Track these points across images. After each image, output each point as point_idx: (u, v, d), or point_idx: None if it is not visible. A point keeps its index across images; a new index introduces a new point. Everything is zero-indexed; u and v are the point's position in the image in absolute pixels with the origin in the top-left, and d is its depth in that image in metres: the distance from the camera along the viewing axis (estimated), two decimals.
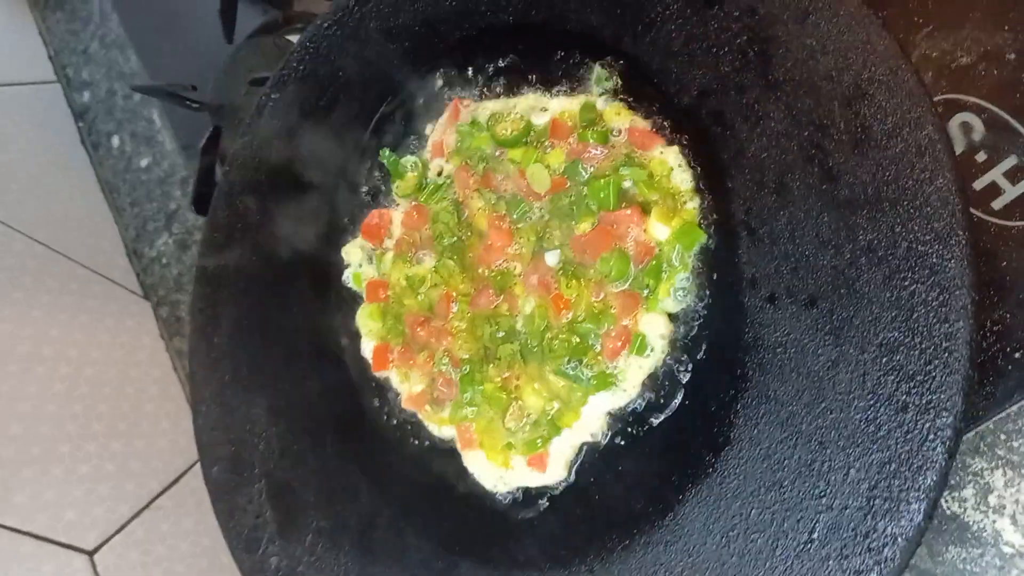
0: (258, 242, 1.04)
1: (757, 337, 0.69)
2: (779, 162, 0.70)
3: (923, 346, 0.61)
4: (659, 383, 0.75)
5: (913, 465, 0.60)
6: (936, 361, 0.60)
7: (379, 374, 0.92)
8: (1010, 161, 0.77)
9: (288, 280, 1.01)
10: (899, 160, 0.64)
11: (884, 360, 0.62)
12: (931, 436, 0.60)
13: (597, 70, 0.85)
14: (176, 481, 1.29)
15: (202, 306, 1.06)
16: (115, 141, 1.68)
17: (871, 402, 0.62)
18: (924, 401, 0.60)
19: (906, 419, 0.61)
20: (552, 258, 0.80)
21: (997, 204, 0.77)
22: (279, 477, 0.95)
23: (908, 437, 0.60)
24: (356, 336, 0.95)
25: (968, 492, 0.78)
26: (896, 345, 0.62)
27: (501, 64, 0.92)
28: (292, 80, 1.05)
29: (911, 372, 0.61)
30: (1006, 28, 0.79)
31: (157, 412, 1.36)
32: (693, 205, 0.75)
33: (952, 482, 0.79)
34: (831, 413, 0.64)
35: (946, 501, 0.80)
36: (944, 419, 0.59)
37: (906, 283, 0.62)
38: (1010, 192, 0.77)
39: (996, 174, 0.77)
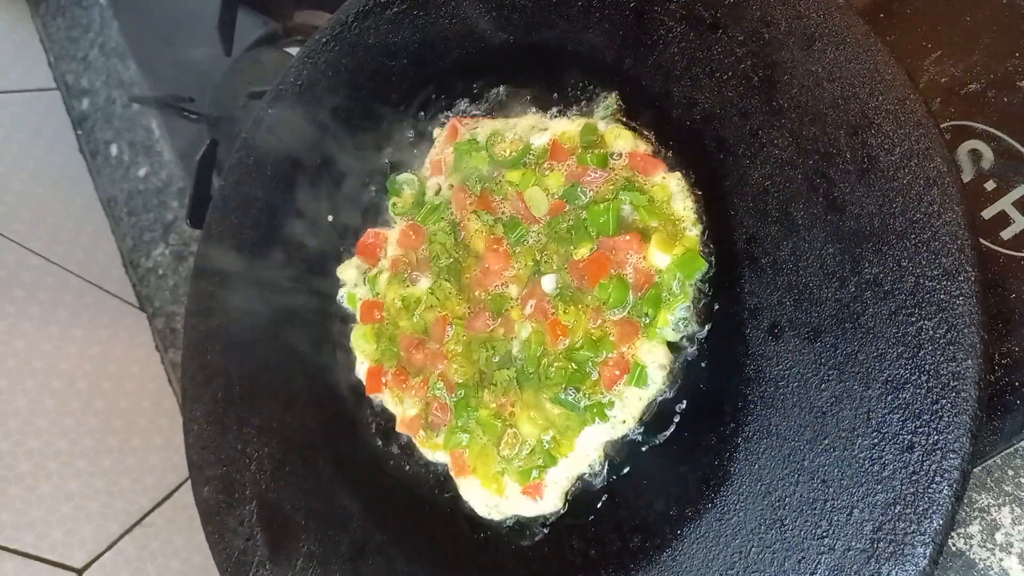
0: (253, 258, 1.02)
1: (759, 369, 0.68)
2: (783, 191, 0.69)
3: (930, 384, 0.59)
4: (658, 414, 0.73)
5: (919, 508, 0.58)
6: (943, 400, 0.59)
7: (373, 397, 0.91)
8: (1020, 191, 0.75)
9: (283, 298, 0.99)
10: (907, 192, 0.63)
11: (890, 398, 0.61)
12: (938, 478, 0.58)
13: (610, 98, 0.82)
14: (167, 498, 1.27)
15: (195, 322, 1.04)
16: (113, 150, 1.66)
17: (876, 440, 0.61)
18: (931, 441, 0.59)
19: (912, 459, 0.59)
20: (549, 283, 0.79)
21: (1006, 234, 0.75)
22: (270, 499, 0.93)
23: (914, 478, 0.59)
24: (351, 357, 0.94)
25: (974, 529, 0.76)
26: (902, 382, 0.60)
27: (501, 84, 0.91)
28: (289, 95, 1.04)
29: (917, 411, 0.59)
30: (1017, 55, 0.77)
31: (150, 427, 1.34)
32: (694, 233, 0.74)
33: (957, 518, 0.77)
34: (834, 450, 0.62)
35: (951, 537, 0.78)
36: (951, 461, 0.58)
37: (913, 319, 0.61)
38: (1020, 222, 0.75)
39: (1006, 203, 0.76)
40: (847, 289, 0.64)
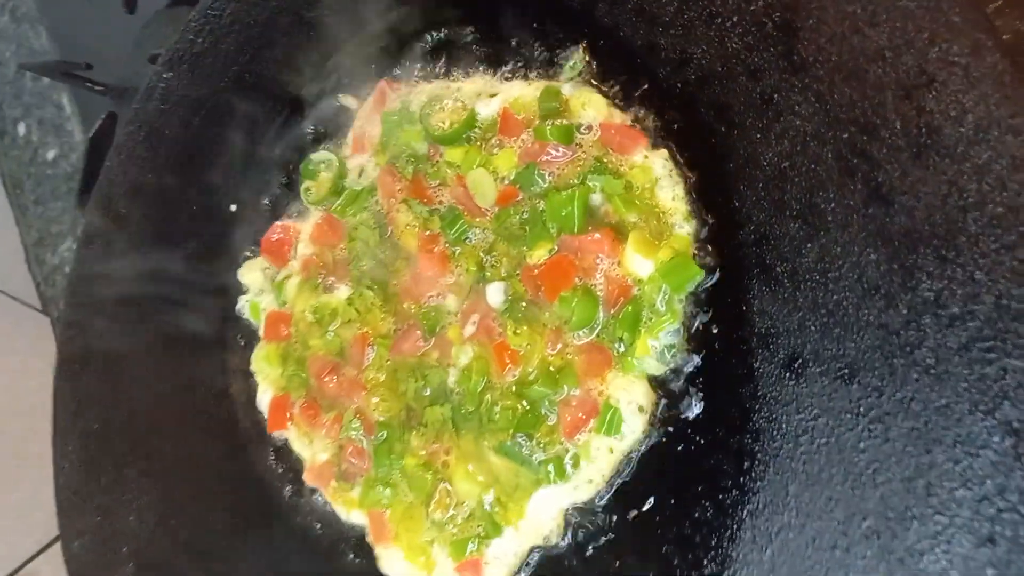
0: (141, 257, 0.86)
1: (771, 418, 0.55)
2: (807, 175, 0.57)
3: (1019, 450, 0.46)
4: (635, 473, 0.60)
5: None
6: None
7: (276, 435, 0.75)
8: None
9: (174, 307, 0.83)
10: (982, 176, 0.50)
11: (959, 467, 0.48)
12: None
13: (576, 54, 0.69)
14: (57, 540, 1.09)
15: (71, 335, 0.87)
16: (21, 129, 1.48)
17: (940, 527, 0.48)
18: (1020, 533, 0.45)
19: (994, 557, 0.46)
20: (496, 294, 0.66)
21: None
22: (153, 558, 0.78)
23: None
24: (252, 384, 0.78)
25: None
26: (978, 445, 0.48)
27: (441, 37, 0.76)
28: (188, 57, 0.87)
29: (1000, 486, 0.47)
30: None
31: (44, 454, 1.15)
32: (686, 231, 0.62)
33: None
34: (878, 537, 0.50)
35: None
36: None
37: (992, 356, 0.49)
38: None
39: None
40: (896, 311, 0.51)
